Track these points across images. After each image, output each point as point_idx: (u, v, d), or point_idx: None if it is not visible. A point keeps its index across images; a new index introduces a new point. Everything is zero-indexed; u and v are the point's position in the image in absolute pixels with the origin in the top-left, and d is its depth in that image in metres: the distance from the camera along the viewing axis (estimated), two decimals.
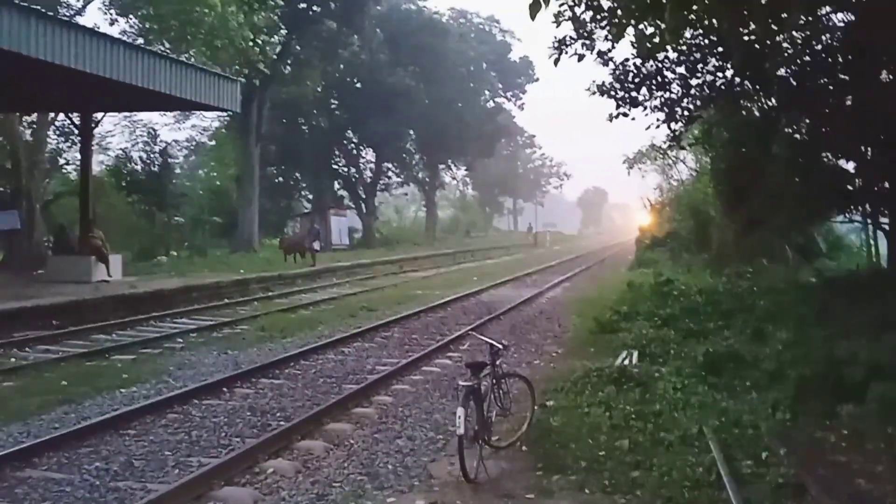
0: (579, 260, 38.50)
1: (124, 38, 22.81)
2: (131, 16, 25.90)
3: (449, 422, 7.12)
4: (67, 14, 24.83)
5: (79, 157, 23.49)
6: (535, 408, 7.10)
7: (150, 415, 7.53)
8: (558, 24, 12.29)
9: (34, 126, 26.40)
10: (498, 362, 6.57)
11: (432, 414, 7.78)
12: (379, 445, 6.72)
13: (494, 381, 6.46)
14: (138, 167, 30.67)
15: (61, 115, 27.42)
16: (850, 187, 14.62)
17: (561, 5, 12.12)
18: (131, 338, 12.48)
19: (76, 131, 25.23)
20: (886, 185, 14.12)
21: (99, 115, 22.13)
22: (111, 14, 26.40)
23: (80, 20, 24.57)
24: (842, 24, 12.94)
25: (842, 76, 13.36)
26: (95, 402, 8.11)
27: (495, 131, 57.89)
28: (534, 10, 6.04)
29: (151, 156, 30.93)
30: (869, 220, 16.82)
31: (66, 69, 13.32)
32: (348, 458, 6.39)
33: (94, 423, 7.10)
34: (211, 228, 35.97)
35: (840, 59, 13.16)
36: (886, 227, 14.83)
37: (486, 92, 57.75)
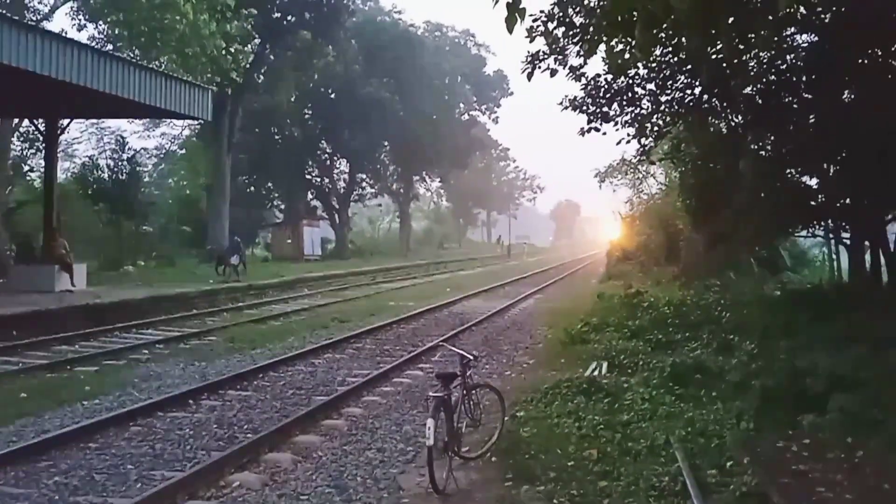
0: (551, 272, 38.73)
1: (93, 44, 22.54)
2: (100, 22, 25.55)
3: (419, 433, 7.10)
4: (34, 19, 24.50)
5: (43, 164, 23.04)
6: (505, 418, 7.11)
7: (112, 427, 7.37)
8: (531, 39, 12.36)
9: None
10: (468, 373, 6.59)
11: (403, 425, 7.75)
12: (348, 458, 6.68)
13: (465, 391, 6.46)
14: (105, 175, 30.16)
15: (26, 121, 26.93)
16: (813, 203, 14.94)
17: (534, 21, 12.24)
18: (95, 349, 12.24)
19: (41, 138, 24.78)
20: (848, 201, 14.46)
21: (65, 121, 21.69)
22: (80, 19, 26.08)
23: (48, 25, 24.29)
24: (806, 45, 13.27)
25: (806, 95, 13.67)
26: (56, 415, 7.93)
27: (469, 144, 58.22)
28: (510, 23, 6.13)
29: (119, 164, 30.42)
30: (831, 236, 17.19)
31: (31, 74, 13.09)
32: (316, 470, 6.33)
33: (53, 436, 6.93)
34: (180, 238, 35.51)
35: (804, 79, 13.48)
36: (848, 243, 15.18)
37: (461, 105, 58.15)
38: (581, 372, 9.96)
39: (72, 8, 26.11)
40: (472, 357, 6.67)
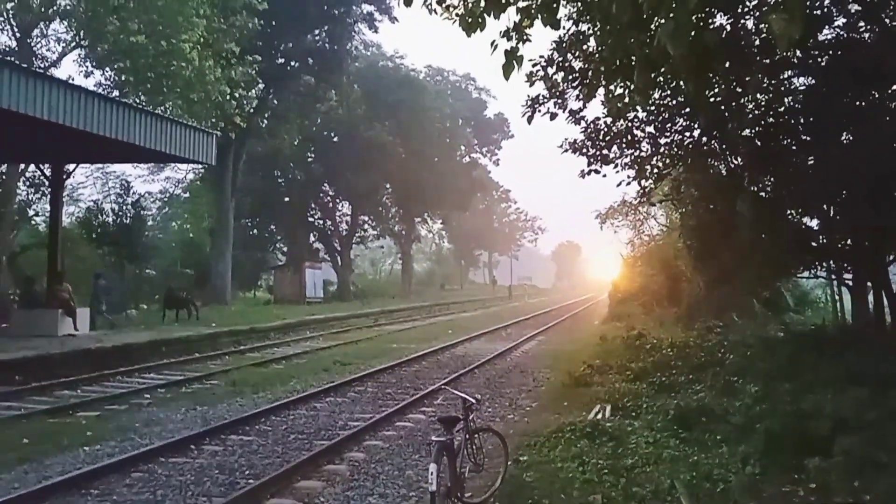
0: (553, 313, 38.62)
1: (100, 90, 22.91)
2: (107, 68, 26.00)
3: (422, 478, 7.03)
4: (42, 66, 24.94)
5: (49, 208, 23.22)
6: (509, 463, 7.04)
7: (113, 474, 7.31)
8: (531, 83, 12.61)
9: (3, 177, 26.14)
10: (471, 417, 6.53)
11: (405, 470, 7.68)
12: (350, 503, 6.60)
13: (467, 436, 6.41)
14: (109, 219, 30.35)
15: (32, 166, 27.22)
16: (814, 244, 14.98)
17: (534, 66, 12.48)
18: (97, 394, 12.19)
19: (47, 182, 25.02)
20: (849, 242, 14.50)
21: (71, 166, 21.93)
22: (87, 66, 26.55)
23: (55, 72, 24.74)
24: (803, 88, 13.47)
25: (804, 137, 13.82)
26: (58, 461, 7.87)
27: (471, 186, 58.67)
28: (507, 70, 6.30)
29: (123, 208, 30.65)
30: (833, 277, 17.16)
31: (38, 121, 13.28)
32: None
33: (55, 482, 6.88)
34: (183, 281, 35.52)
35: (802, 121, 13.65)
36: (850, 284, 15.16)
37: (462, 147, 58.78)
38: (584, 415, 9.88)
39: (79, 55, 26.60)
40: (474, 400, 6.63)
